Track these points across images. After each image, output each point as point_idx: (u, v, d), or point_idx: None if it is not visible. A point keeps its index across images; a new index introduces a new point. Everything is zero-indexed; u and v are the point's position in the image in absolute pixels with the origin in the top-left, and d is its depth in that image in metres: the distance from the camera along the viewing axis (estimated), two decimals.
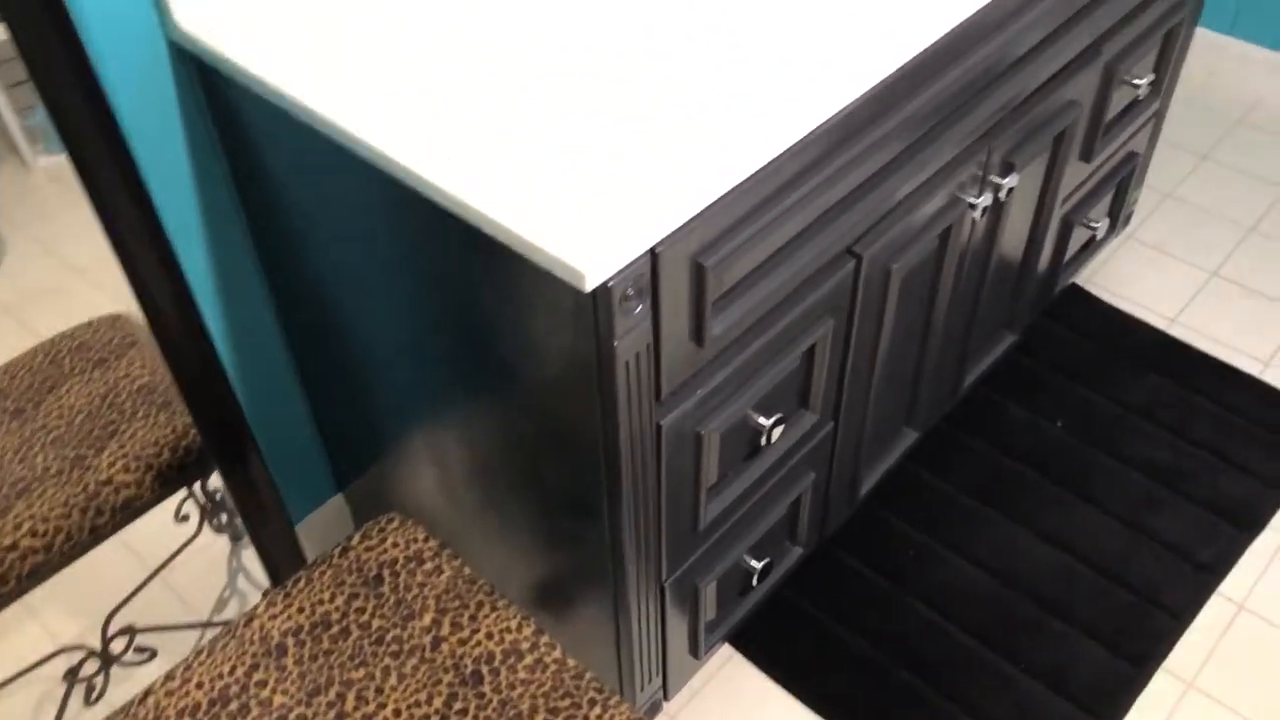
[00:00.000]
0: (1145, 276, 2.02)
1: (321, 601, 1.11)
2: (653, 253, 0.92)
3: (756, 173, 0.98)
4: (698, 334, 1.03)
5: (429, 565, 1.13)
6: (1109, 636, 1.54)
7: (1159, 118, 1.78)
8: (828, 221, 1.13)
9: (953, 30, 1.14)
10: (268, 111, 1.09)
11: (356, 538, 1.16)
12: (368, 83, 1.04)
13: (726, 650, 1.55)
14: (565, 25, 1.10)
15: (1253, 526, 1.65)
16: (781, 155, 1.00)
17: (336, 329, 1.29)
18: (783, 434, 1.26)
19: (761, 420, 1.18)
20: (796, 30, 1.08)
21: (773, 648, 1.55)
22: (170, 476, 1.26)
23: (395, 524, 1.17)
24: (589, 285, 0.87)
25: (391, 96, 1.02)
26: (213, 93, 1.16)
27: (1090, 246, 1.81)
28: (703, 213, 0.95)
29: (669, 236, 0.93)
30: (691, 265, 0.97)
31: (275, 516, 1.29)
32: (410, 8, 1.13)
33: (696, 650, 1.36)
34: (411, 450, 1.36)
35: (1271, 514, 1.67)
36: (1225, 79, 2.40)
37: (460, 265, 1.01)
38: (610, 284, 0.89)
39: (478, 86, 1.03)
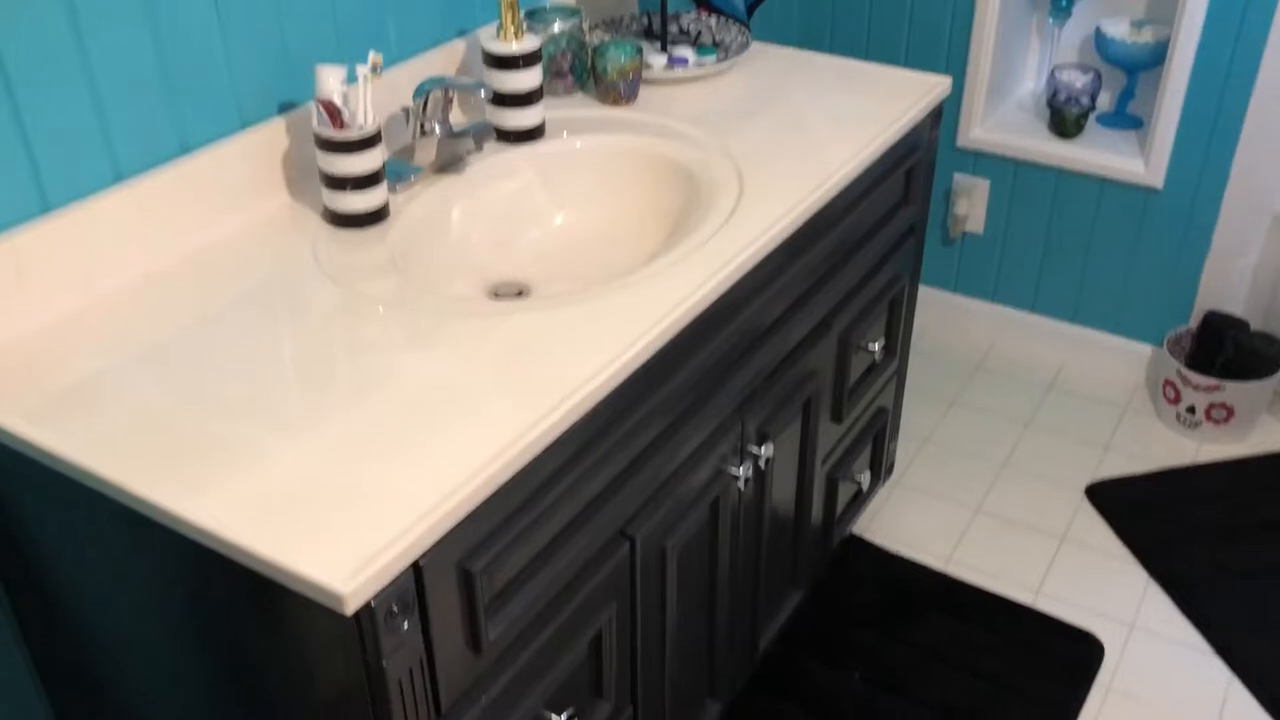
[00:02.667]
0: (916, 520, 2.13)
1: None
2: (416, 566, 0.93)
3: (514, 477, 1.01)
4: (474, 641, 1.02)
5: None
6: None
7: (900, 374, 1.94)
8: (596, 509, 1.16)
9: (693, 320, 1.23)
10: (9, 456, 1.06)
11: None
12: (110, 422, 1.03)
13: None
14: (304, 348, 1.13)
15: None
16: (536, 458, 1.04)
17: (97, 664, 1.22)
18: None
19: (554, 718, 1.16)
20: (546, 335, 1.14)
21: None
22: None
23: None
24: (350, 607, 0.86)
25: (132, 432, 1.01)
26: None
27: (859, 498, 1.91)
28: (463, 521, 0.96)
29: (431, 548, 0.94)
30: (459, 572, 0.98)
31: None
32: (142, 349, 1.14)
33: None
34: None
35: None
36: (960, 331, 2.65)
37: (221, 597, 0.98)
38: (373, 603, 0.88)
39: (219, 417, 1.04)
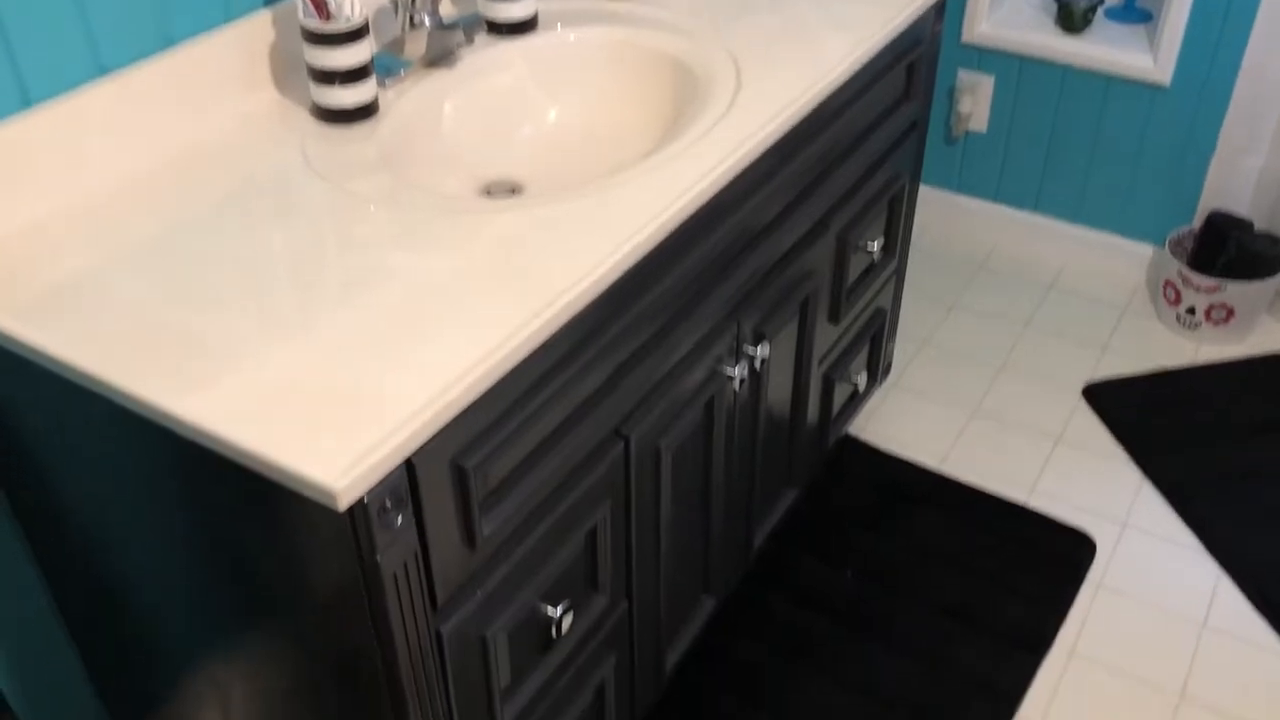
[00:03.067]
0: (912, 421, 2.14)
1: None
2: (408, 462, 0.93)
3: (506, 375, 1.01)
4: (469, 536, 1.03)
5: None
6: None
7: (899, 275, 1.93)
8: (590, 408, 1.16)
9: (690, 217, 1.21)
10: (2, 356, 1.06)
11: None
12: (100, 320, 1.02)
13: None
14: (294, 246, 1.12)
15: (1039, 649, 1.73)
16: (530, 355, 1.03)
17: (102, 572, 1.23)
18: (574, 621, 1.25)
19: (550, 611, 1.18)
20: (539, 232, 1.13)
21: None
22: None
23: None
24: (343, 503, 0.86)
25: (122, 331, 1.01)
26: None
27: (855, 399, 1.91)
28: (456, 419, 0.96)
29: (424, 445, 0.94)
30: (452, 469, 0.98)
31: None
32: (131, 247, 1.13)
33: None
34: (192, 690, 1.28)
35: (1054, 634, 1.75)
36: (961, 231, 2.62)
37: (216, 495, 0.99)
38: (365, 499, 0.89)
39: (209, 316, 1.03)
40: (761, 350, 1.43)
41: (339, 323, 1.01)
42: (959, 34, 2.40)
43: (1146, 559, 1.87)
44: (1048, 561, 1.86)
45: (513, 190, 1.40)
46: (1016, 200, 2.54)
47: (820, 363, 1.69)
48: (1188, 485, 1.98)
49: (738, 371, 1.39)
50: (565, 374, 1.10)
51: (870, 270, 1.76)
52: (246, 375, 0.96)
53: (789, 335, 1.55)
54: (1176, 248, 2.31)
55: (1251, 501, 1.94)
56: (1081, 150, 2.39)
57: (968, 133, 2.51)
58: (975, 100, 2.45)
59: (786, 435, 1.68)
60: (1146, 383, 2.20)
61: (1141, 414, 2.13)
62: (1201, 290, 2.23)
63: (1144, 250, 2.44)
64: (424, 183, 1.31)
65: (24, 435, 1.14)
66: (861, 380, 1.82)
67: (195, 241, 1.12)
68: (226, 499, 0.98)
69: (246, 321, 1.02)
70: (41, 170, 1.16)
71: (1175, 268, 2.26)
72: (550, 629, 1.21)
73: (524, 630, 1.17)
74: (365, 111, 1.31)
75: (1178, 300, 2.28)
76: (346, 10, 1.27)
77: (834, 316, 1.67)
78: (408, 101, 1.36)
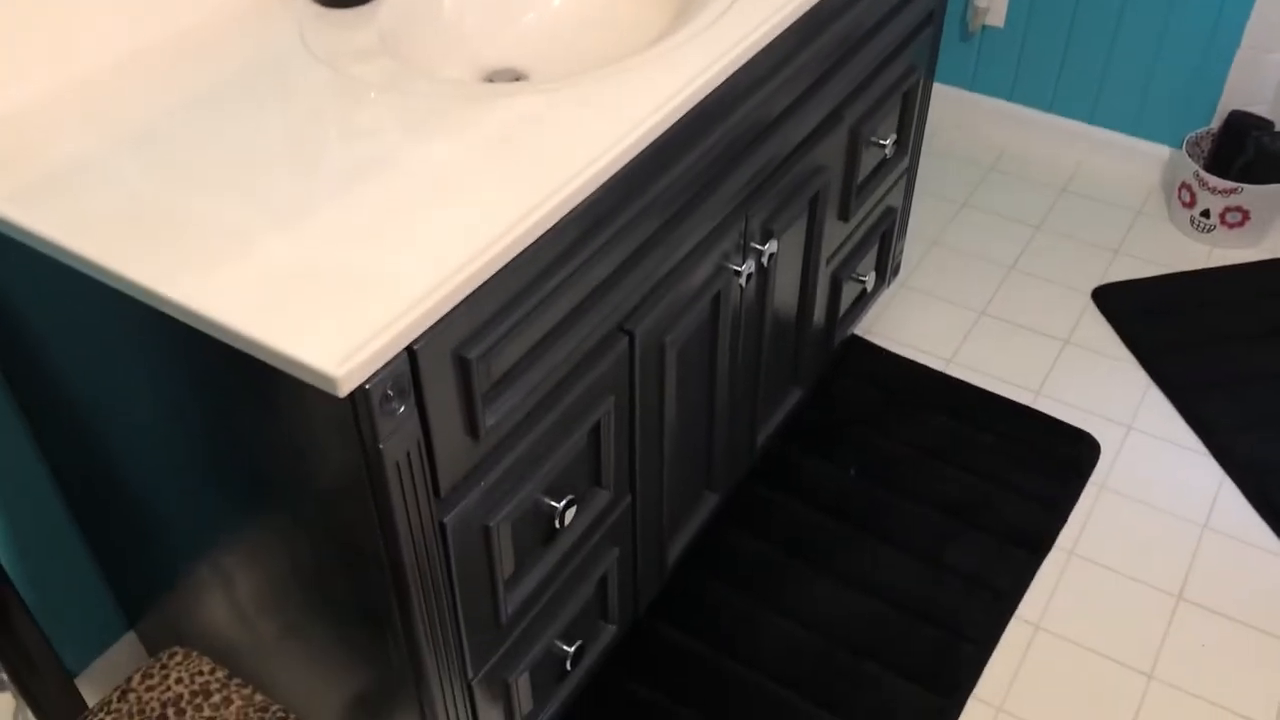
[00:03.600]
0: (920, 321, 2.12)
1: None
2: (410, 350, 0.92)
3: (511, 262, 0.99)
4: (471, 427, 1.02)
5: (216, 698, 1.08)
6: (921, 673, 1.58)
7: (911, 173, 1.89)
8: (594, 302, 1.14)
9: (698, 105, 1.18)
10: None
11: (136, 677, 1.10)
12: (96, 205, 1.00)
13: None
14: (293, 131, 1.09)
15: (1039, 548, 1.74)
16: (535, 244, 1.01)
17: (105, 460, 1.23)
18: (577, 514, 1.26)
19: (553, 504, 1.18)
20: (544, 119, 1.10)
21: None
22: None
23: (178, 658, 1.11)
24: (344, 390, 0.85)
25: (119, 215, 0.99)
26: None
27: (863, 299, 1.89)
28: (459, 306, 0.95)
29: (426, 333, 0.92)
30: (455, 359, 0.97)
31: (49, 670, 1.20)
32: (127, 131, 1.10)
33: None
34: (200, 578, 1.30)
35: (1055, 534, 1.76)
36: (973, 131, 2.57)
37: (217, 383, 0.98)
38: (367, 386, 0.88)
39: (208, 200, 1.01)
40: (770, 247, 1.41)
41: (340, 209, 0.99)
42: None
43: (1150, 461, 1.87)
44: (1051, 462, 1.86)
45: (516, 78, 1.36)
46: (1031, 99, 2.48)
47: (829, 261, 1.67)
48: (1194, 388, 1.97)
49: (745, 268, 1.37)
50: (570, 265, 1.08)
51: (881, 167, 1.73)
52: (245, 260, 0.94)
53: (798, 232, 1.52)
54: (1193, 149, 2.27)
55: (1258, 406, 1.93)
56: (1100, 48, 2.33)
57: (984, 27, 2.44)
58: None
59: (793, 334, 1.67)
60: (1157, 285, 2.18)
61: (1151, 317, 2.11)
62: (1217, 193, 2.19)
63: (1160, 152, 2.39)
64: (425, 68, 1.27)
65: (24, 325, 1.13)
66: (870, 280, 1.80)
67: (193, 125, 1.10)
68: (227, 385, 0.97)
69: (245, 207, 0.99)
70: (36, 50, 1.13)
71: (1191, 170, 2.22)
72: (553, 521, 1.21)
73: (527, 522, 1.17)
74: None
75: (1192, 203, 2.25)
76: None
77: (844, 214, 1.65)
78: None
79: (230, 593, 1.26)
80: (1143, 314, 2.12)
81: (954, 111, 2.58)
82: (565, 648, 1.33)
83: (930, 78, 1.80)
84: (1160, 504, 1.81)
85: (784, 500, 1.80)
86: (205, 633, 1.39)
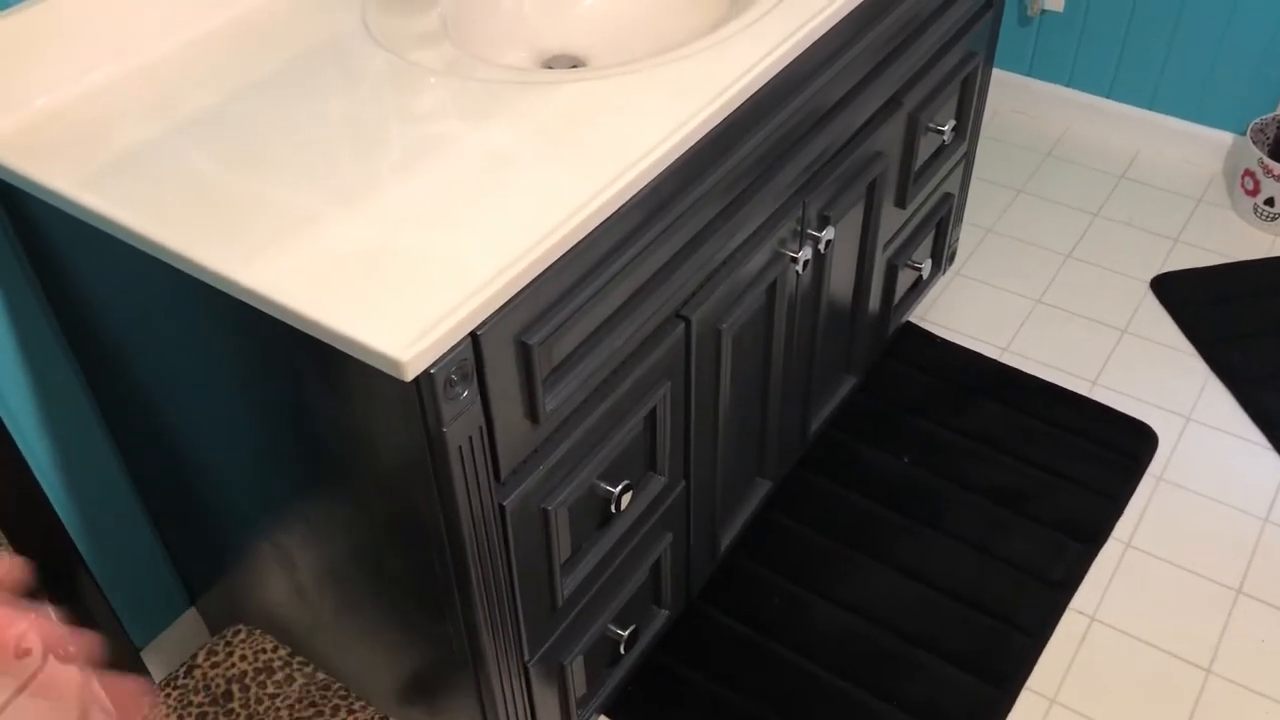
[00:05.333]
0: (975, 309, 2.11)
1: None
2: (474, 335, 0.92)
3: (573, 248, 1.00)
4: (532, 411, 1.03)
5: (279, 675, 1.10)
6: (973, 663, 1.58)
7: (969, 159, 1.87)
8: (652, 288, 1.15)
9: (758, 92, 1.18)
10: (72, 224, 1.06)
11: (202, 654, 1.12)
12: (164, 189, 1.02)
13: None
14: (356, 116, 1.10)
15: (1094, 540, 1.72)
16: (597, 230, 1.02)
17: (170, 439, 1.26)
18: (633, 499, 1.26)
19: (609, 489, 1.19)
20: (603, 106, 1.10)
21: (650, 714, 1.54)
22: None
23: (242, 635, 1.14)
24: (409, 374, 0.87)
25: (187, 199, 1.00)
26: (15, 213, 1.12)
27: (918, 286, 1.88)
28: (522, 292, 0.96)
29: (490, 318, 0.93)
30: (517, 345, 0.98)
31: (117, 643, 1.23)
32: (194, 115, 1.12)
33: None
34: (260, 556, 1.32)
35: (1111, 526, 1.74)
36: (1031, 117, 2.54)
37: (282, 364, 1.00)
38: (432, 371, 0.89)
39: (273, 185, 1.02)
40: (826, 233, 1.40)
41: (403, 193, 1.00)
42: None
43: (1209, 453, 1.84)
44: (1107, 453, 1.84)
45: (574, 64, 1.37)
46: (1090, 85, 2.45)
47: (884, 248, 1.66)
48: (1255, 380, 1.93)
49: (802, 255, 1.37)
50: (630, 252, 1.09)
51: (939, 153, 1.72)
52: (312, 244, 0.95)
53: (854, 219, 1.51)
54: (1258, 135, 2.22)
55: None
56: (1163, 32, 2.29)
57: (1044, 12, 2.41)
58: None
59: (847, 322, 1.66)
60: (1218, 275, 2.15)
61: (1211, 306, 2.07)
62: None
63: (1222, 139, 2.35)
64: (485, 54, 1.28)
65: (92, 307, 1.16)
66: (925, 267, 1.79)
67: (257, 109, 1.11)
68: (292, 367, 0.99)
69: (310, 191, 1.01)
70: (102, 33, 1.15)
71: (1255, 157, 2.18)
72: (609, 506, 1.22)
73: (584, 506, 1.18)
74: None
75: (1256, 190, 2.21)
76: None
77: (901, 200, 1.64)
78: None
79: (290, 571, 1.29)
80: (1203, 303, 2.08)
81: (1010, 96, 2.55)
82: (619, 632, 1.34)
83: (990, 63, 1.78)
84: (1220, 497, 1.78)
85: (836, 488, 1.80)
86: (264, 610, 1.41)
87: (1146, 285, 2.14)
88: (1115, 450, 1.84)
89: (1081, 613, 1.64)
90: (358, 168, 1.03)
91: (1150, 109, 2.40)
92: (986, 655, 1.58)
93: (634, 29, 1.40)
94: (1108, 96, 2.44)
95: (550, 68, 1.36)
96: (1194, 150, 2.39)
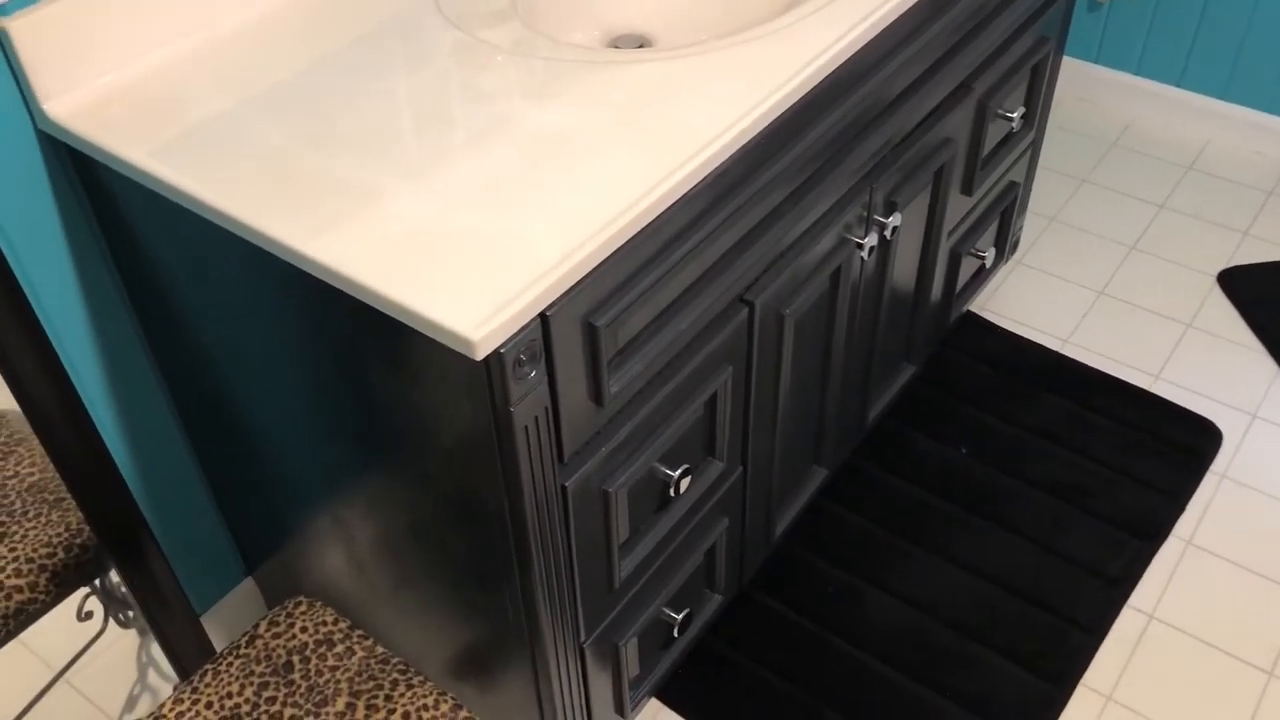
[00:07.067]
0: (1037, 300, 2.07)
1: (230, 695, 1.08)
2: (543, 316, 0.92)
3: (641, 231, 0.99)
4: (596, 393, 1.03)
5: (339, 648, 1.11)
6: (1028, 658, 1.56)
7: (1035, 147, 1.84)
8: (717, 272, 1.14)
9: (828, 76, 1.17)
10: (143, 195, 1.07)
11: (263, 624, 1.13)
12: (235, 162, 1.03)
13: (654, 705, 1.54)
14: (424, 94, 1.10)
15: (1155, 537, 1.69)
16: (665, 213, 1.01)
17: (232, 410, 1.27)
18: (691, 484, 1.26)
19: (669, 472, 1.18)
20: (671, 86, 1.10)
21: (700, 698, 1.54)
22: (67, 577, 1.22)
23: (303, 607, 1.15)
24: (480, 354, 0.87)
25: (257, 173, 1.01)
26: (90, 181, 1.14)
27: (980, 275, 1.85)
28: (591, 274, 0.95)
29: (558, 300, 0.93)
30: (584, 326, 0.98)
31: (179, 609, 1.25)
32: (263, 90, 1.12)
33: (622, 709, 1.35)
34: (319, 529, 1.33)
35: (1172, 523, 1.71)
36: (1097, 105, 2.50)
37: (349, 339, 1.00)
38: (502, 350, 0.89)
39: (341, 160, 1.02)
40: (893, 220, 1.38)
41: (475, 171, 1.00)
42: None
43: (1276, 452, 1.80)
44: (1170, 449, 1.80)
45: (640, 44, 1.36)
46: (1160, 74, 2.40)
47: (949, 235, 1.64)
48: None
49: (867, 241, 1.35)
50: (697, 235, 1.08)
51: (1007, 140, 1.69)
52: (382, 221, 0.95)
53: (920, 206, 1.49)
54: None
55: None
56: (1238, 19, 2.24)
57: None
58: None
59: (909, 309, 1.64)
60: None
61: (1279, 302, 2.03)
62: None
63: None
64: (552, 33, 1.27)
65: (162, 278, 1.17)
66: (989, 255, 1.76)
67: (327, 85, 1.11)
68: (360, 343, 0.99)
69: (379, 167, 1.01)
70: (174, 11, 1.15)
71: None
72: (668, 490, 1.21)
73: (643, 489, 1.17)
74: None
75: None
76: None
77: (967, 188, 1.61)
78: None
79: (349, 544, 1.30)
80: (1271, 299, 2.04)
81: (1077, 84, 2.50)
82: (673, 615, 1.34)
83: (1061, 50, 1.74)
84: None
85: (893, 478, 1.78)
86: (322, 582, 1.43)
87: (1213, 279, 2.10)
88: (1178, 446, 1.81)
89: (1140, 611, 1.62)
90: (425, 145, 1.03)
91: (1221, 98, 2.35)
92: (1042, 651, 1.56)
93: (702, 9, 1.39)
94: (1178, 85, 2.39)
95: (617, 47, 1.35)
96: (1266, 141, 2.33)
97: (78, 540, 1.21)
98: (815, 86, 1.15)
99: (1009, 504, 1.74)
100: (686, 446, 1.22)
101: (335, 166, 1.01)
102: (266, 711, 1.07)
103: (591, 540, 1.13)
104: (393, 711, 1.06)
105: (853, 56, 1.19)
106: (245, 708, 1.07)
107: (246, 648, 1.12)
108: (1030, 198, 2.27)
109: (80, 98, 1.10)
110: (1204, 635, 1.58)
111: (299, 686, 1.08)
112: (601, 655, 1.25)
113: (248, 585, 1.60)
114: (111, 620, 1.39)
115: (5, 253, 1.05)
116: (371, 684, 1.08)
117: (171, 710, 1.08)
